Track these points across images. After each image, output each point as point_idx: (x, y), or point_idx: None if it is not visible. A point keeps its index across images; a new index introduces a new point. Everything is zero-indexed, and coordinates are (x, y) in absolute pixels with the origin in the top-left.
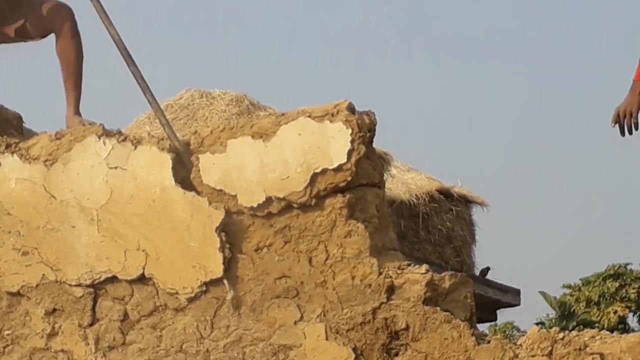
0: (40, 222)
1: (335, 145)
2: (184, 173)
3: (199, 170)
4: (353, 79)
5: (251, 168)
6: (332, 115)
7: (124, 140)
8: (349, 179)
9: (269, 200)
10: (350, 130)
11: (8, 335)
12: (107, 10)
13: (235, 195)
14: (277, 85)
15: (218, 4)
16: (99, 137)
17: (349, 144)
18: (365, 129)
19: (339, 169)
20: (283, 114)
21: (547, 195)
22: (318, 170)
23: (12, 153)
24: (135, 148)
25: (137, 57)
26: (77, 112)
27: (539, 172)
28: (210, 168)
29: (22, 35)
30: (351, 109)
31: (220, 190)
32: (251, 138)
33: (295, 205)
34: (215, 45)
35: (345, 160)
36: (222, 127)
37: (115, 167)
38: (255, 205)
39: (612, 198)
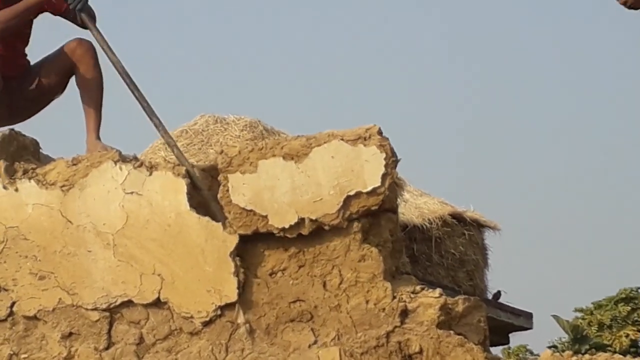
0: (56, 247)
1: (369, 169)
2: (198, 198)
3: (227, 190)
4: (362, 105)
5: (283, 189)
6: (365, 139)
7: (140, 165)
8: (382, 202)
9: (300, 222)
10: (384, 155)
11: (25, 358)
12: (118, 38)
13: (266, 216)
14: (289, 110)
15: (233, 32)
16: (115, 163)
17: (383, 168)
18: (395, 154)
19: (372, 192)
20: (313, 136)
21: (559, 220)
22: (352, 193)
23: (29, 179)
24: (151, 174)
25: (153, 83)
26: (98, 138)
27: (552, 197)
28: (240, 188)
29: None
30: (381, 133)
31: (251, 211)
32: (282, 159)
33: (326, 228)
34: (230, 71)
35: (379, 184)
36: (251, 148)
37: (131, 193)
38: (286, 226)
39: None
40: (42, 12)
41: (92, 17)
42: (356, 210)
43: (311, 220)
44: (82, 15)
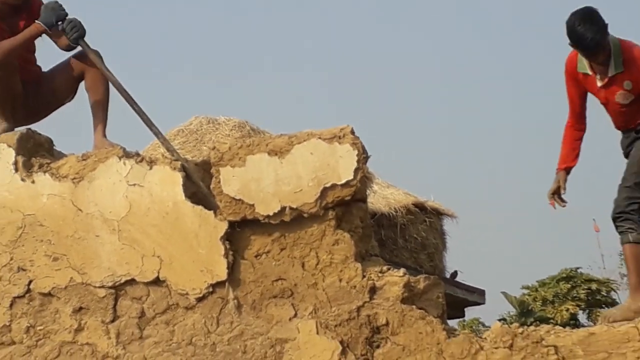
0: (68, 232)
1: (343, 164)
2: (192, 189)
3: (219, 182)
4: (335, 105)
5: (267, 181)
6: (340, 138)
7: (141, 161)
8: (354, 193)
9: (283, 210)
10: (356, 152)
11: (40, 330)
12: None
13: (253, 205)
14: (273, 112)
15: (226, 41)
16: (120, 158)
17: (356, 163)
18: (366, 151)
19: (346, 184)
20: (294, 135)
21: (509, 208)
22: (328, 185)
23: (44, 172)
24: (151, 168)
25: (153, 87)
26: (105, 136)
27: (503, 188)
28: (230, 180)
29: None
30: (353, 132)
31: (239, 200)
32: (267, 155)
33: (305, 215)
34: (221, 76)
35: (352, 177)
36: (240, 145)
37: (134, 184)
38: (271, 214)
39: (565, 211)
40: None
41: (83, 33)
42: (331, 200)
43: (292, 208)
44: (81, 43)
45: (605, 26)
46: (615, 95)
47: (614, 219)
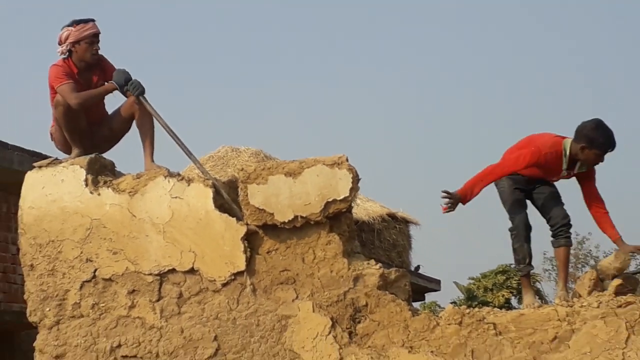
0: (125, 232)
1: (341, 184)
2: (220, 201)
3: (246, 195)
4: (331, 134)
5: (284, 196)
6: (339, 164)
7: (181, 179)
8: (348, 206)
9: (295, 218)
10: (351, 175)
11: (102, 307)
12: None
13: (273, 214)
14: (283, 141)
15: (246, 82)
16: (165, 177)
17: (351, 184)
18: (358, 175)
19: (344, 200)
20: (304, 161)
21: (461, 217)
22: (330, 200)
23: (108, 187)
24: (189, 185)
25: (190, 124)
26: (153, 160)
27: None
28: (255, 194)
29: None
30: (348, 160)
31: (262, 209)
32: (284, 176)
33: (312, 222)
34: (241, 113)
35: (348, 194)
36: (262, 167)
37: (176, 197)
38: (286, 220)
39: (503, 216)
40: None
41: (143, 91)
42: (332, 211)
43: (302, 217)
44: (141, 98)
45: None
46: (566, 177)
47: (562, 226)
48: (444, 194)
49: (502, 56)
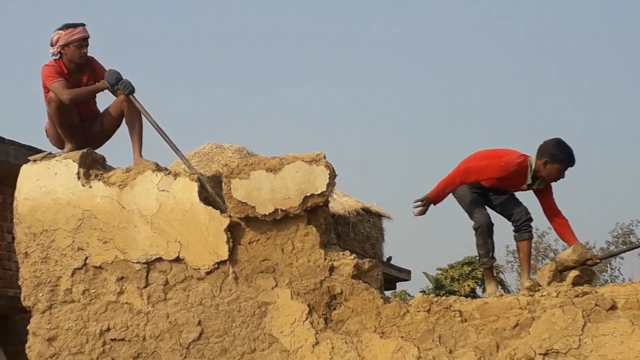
0: (114, 223)
1: (319, 180)
2: (205, 194)
3: (229, 189)
4: (311, 133)
5: (265, 190)
6: (317, 161)
7: (169, 173)
8: (325, 200)
9: (276, 211)
10: (328, 172)
11: (93, 292)
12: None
13: (254, 207)
14: (264, 138)
15: (233, 84)
16: (153, 171)
17: (328, 180)
18: (335, 172)
19: (321, 194)
20: (284, 157)
21: (429, 213)
22: (308, 195)
23: (99, 180)
24: (175, 179)
25: (177, 121)
26: (141, 155)
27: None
28: (238, 188)
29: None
30: (325, 157)
31: (245, 203)
32: (265, 171)
33: (291, 215)
34: (225, 111)
35: (325, 189)
36: (245, 163)
37: (163, 190)
38: (267, 213)
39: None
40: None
41: (133, 90)
42: (310, 205)
43: (282, 210)
44: (131, 97)
45: None
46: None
47: (526, 222)
48: (415, 203)
49: (479, 54)
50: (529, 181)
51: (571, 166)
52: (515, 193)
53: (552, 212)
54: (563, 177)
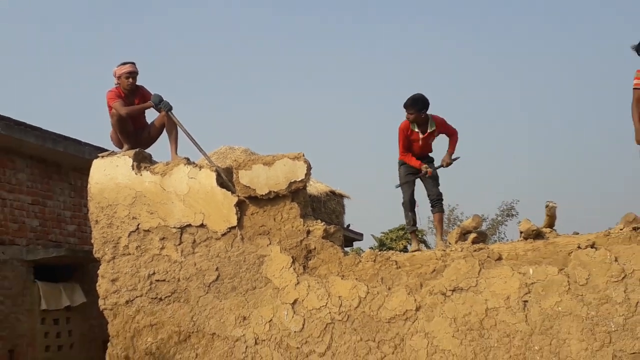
0: (158, 200)
1: (299, 171)
2: (220, 180)
3: (238, 177)
4: (295, 135)
5: (262, 177)
6: (298, 158)
7: (196, 166)
8: (304, 185)
9: (269, 192)
10: (306, 165)
11: (142, 248)
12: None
13: (255, 189)
14: (264, 141)
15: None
16: (185, 165)
17: (306, 170)
18: (310, 165)
19: (301, 181)
20: (276, 155)
21: (378, 194)
22: (292, 181)
23: (147, 170)
24: (200, 170)
25: (201, 130)
26: (176, 153)
27: (377, 178)
28: (244, 176)
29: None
30: (304, 155)
31: (248, 186)
32: (262, 165)
33: (280, 195)
34: (237, 118)
35: (304, 177)
36: (248, 159)
37: (192, 178)
38: (263, 194)
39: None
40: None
41: (171, 108)
42: (293, 188)
43: (274, 192)
44: (170, 114)
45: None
46: (428, 139)
47: (438, 200)
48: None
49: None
50: (416, 129)
51: (405, 106)
52: (433, 174)
53: (449, 136)
54: (410, 114)
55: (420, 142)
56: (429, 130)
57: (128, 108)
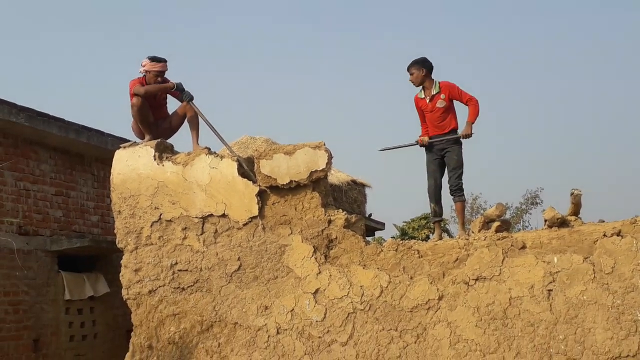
0: (180, 190)
1: (320, 160)
2: (242, 170)
3: (259, 167)
4: (318, 123)
5: (283, 167)
6: (319, 147)
7: (217, 156)
8: (325, 174)
9: (291, 182)
10: (327, 154)
11: (165, 238)
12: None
13: (276, 179)
14: (285, 130)
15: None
16: (206, 155)
17: (327, 160)
18: (331, 154)
19: (322, 170)
20: (297, 145)
21: (399, 181)
22: (313, 170)
23: (169, 160)
24: (222, 159)
25: (222, 119)
26: (198, 143)
27: (399, 169)
28: (265, 166)
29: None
30: (325, 144)
31: (269, 176)
32: (283, 154)
33: (301, 185)
34: (259, 109)
35: (325, 166)
36: (270, 149)
37: (213, 167)
38: (284, 183)
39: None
40: (168, 93)
41: (192, 98)
42: (314, 178)
43: (295, 181)
44: (191, 103)
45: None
46: (435, 104)
47: (457, 190)
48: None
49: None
50: (422, 95)
51: (408, 69)
52: (453, 163)
53: (468, 103)
54: (411, 75)
55: (430, 110)
56: (432, 93)
57: (147, 87)
